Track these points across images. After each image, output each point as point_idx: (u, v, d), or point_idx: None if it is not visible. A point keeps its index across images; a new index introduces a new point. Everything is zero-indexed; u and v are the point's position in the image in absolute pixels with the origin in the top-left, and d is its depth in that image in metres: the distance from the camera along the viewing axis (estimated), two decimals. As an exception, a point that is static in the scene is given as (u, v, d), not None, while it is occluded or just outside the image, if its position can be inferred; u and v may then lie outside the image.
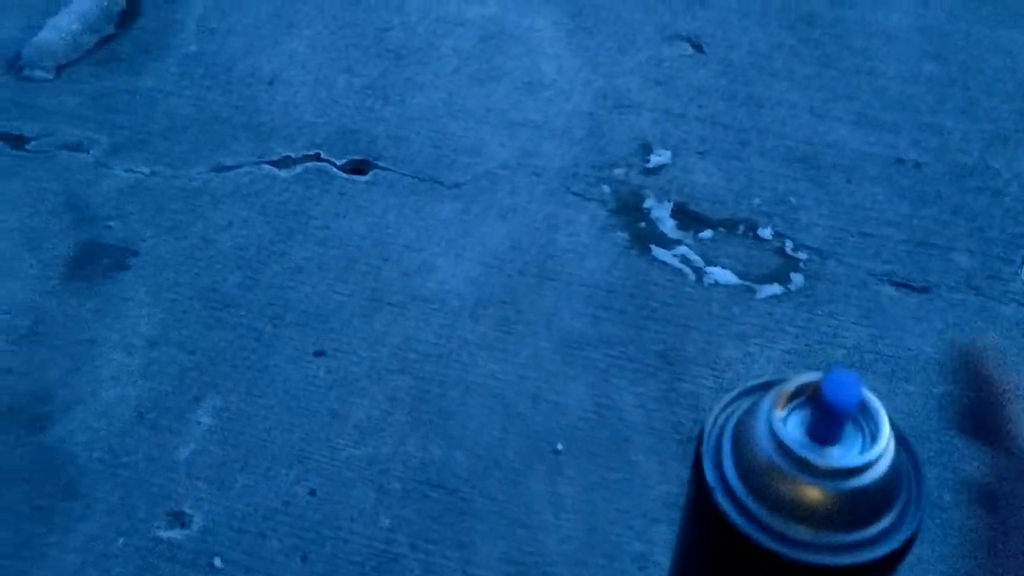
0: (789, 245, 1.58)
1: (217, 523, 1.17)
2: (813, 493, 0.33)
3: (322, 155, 1.69)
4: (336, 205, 1.60)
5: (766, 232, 1.60)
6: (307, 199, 1.61)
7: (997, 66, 1.87)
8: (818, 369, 0.35)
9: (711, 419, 0.38)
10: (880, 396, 0.35)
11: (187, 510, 1.18)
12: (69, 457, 1.22)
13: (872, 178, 1.70)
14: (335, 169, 1.67)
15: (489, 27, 1.93)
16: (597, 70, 1.84)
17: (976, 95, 1.81)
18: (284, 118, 1.75)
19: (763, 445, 0.34)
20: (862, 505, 0.34)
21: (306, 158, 1.69)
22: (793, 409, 0.36)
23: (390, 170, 1.68)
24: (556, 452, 1.27)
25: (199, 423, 1.26)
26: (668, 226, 1.61)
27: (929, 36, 1.93)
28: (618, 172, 1.69)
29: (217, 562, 1.14)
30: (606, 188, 1.66)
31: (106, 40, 1.88)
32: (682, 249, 1.57)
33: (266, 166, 1.66)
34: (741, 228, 1.61)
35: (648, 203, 1.65)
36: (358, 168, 1.68)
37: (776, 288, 1.52)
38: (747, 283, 1.52)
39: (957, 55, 1.89)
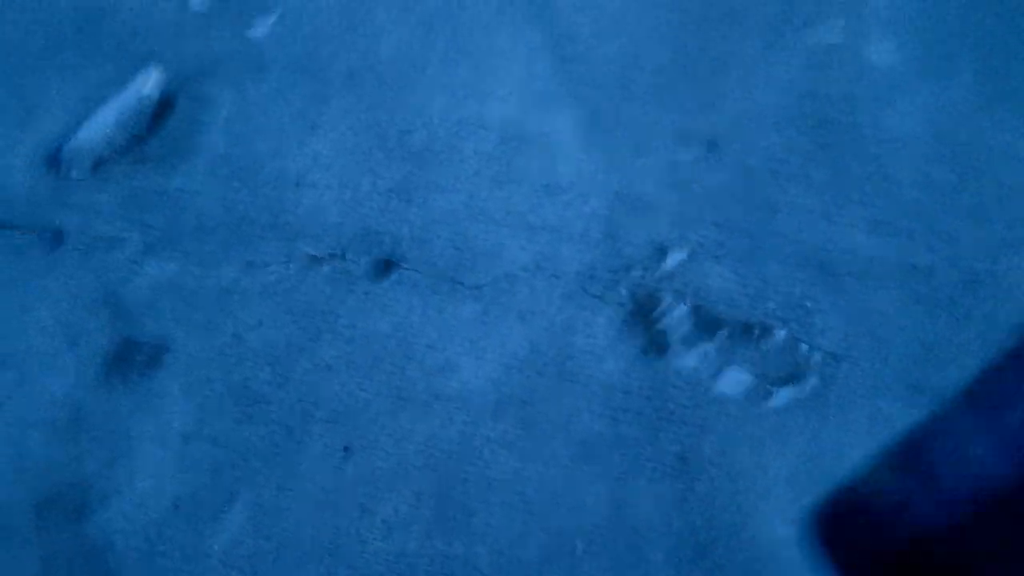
0: (804, 348, 1.84)
1: (247, 614, 1.40)
2: None
3: (347, 255, 1.99)
4: (361, 304, 1.89)
5: (781, 335, 1.88)
6: (333, 298, 1.89)
7: (1009, 172, 2.17)
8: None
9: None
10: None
11: (219, 601, 1.41)
12: (108, 545, 1.46)
13: (886, 284, 1.98)
14: (360, 269, 1.96)
15: (509, 129, 2.25)
16: (613, 172, 2.15)
17: (987, 201, 2.11)
18: (310, 219, 2.06)
19: None
20: None
21: (332, 257, 1.98)
22: None
23: (413, 271, 1.97)
24: (575, 551, 1.51)
25: (232, 516, 1.50)
26: (684, 328, 1.88)
27: (943, 141, 2.25)
28: (635, 275, 1.98)
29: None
30: (623, 291, 1.94)
31: (138, 139, 2.22)
32: (698, 351, 1.84)
33: (293, 266, 1.96)
34: (756, 331, 1.88)
35: (664, 306, 1.93)
36: (382, 268, 1.97)
37: (791, 391, 1.78)
38: (762, 385, 1.78)
39: (970, 161, 2.20)
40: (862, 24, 2.46)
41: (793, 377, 1.79)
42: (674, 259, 2.01)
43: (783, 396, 1.76)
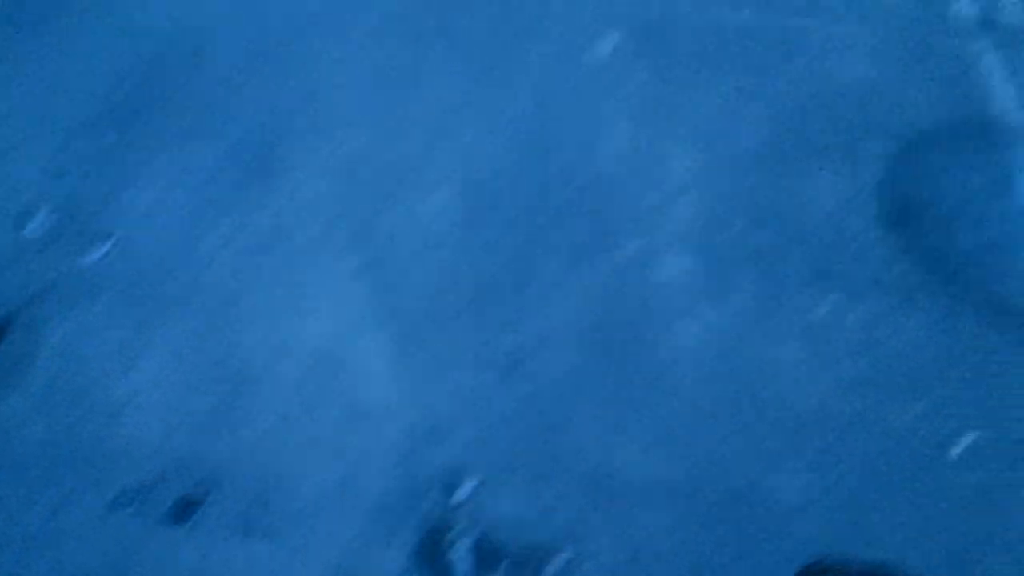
0: (586, 567, 2.00)
1: None
2: None
3: (154, 492, 2.10)
4: (161, 552, 2.00)
5: (561, 559, 2.03)
6: (131, 548, 2.00)
7: (779, 387, 2.40)
8: None
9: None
10: None
11: None
12: None
13: (658, 503, 2.15)
14: (164, 507, 2.07)
15: (322, 353, 2.40)
16: (416, 397, 2.30)
17: (757, 417, 2.32)
18: (124, 452, 2.16)
19: None
20: None
21: (139, 494, 2.09)
22: None
23: (217, 507, 2.08)
24: None
25: None
26: (468, 563, 2.02)
27: (723, 357, 2.45)
28: (427, 504, 2.11)
29: None
30: (415, 521, 2.08)
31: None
32: (479, 583, 1.98)
33: (99, 508, 2.06)
34: (538, 557, 2.03)
35: (453, 535, 2.07)
36: (185, 508, 2.09)
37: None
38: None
39: (745, 376, 2.41)
40: (657, 244, 2.70)
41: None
42: (465, 488, 2.16)
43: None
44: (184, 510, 2.05)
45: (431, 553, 2.01)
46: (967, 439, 2.20)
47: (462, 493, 2.14)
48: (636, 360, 2.43)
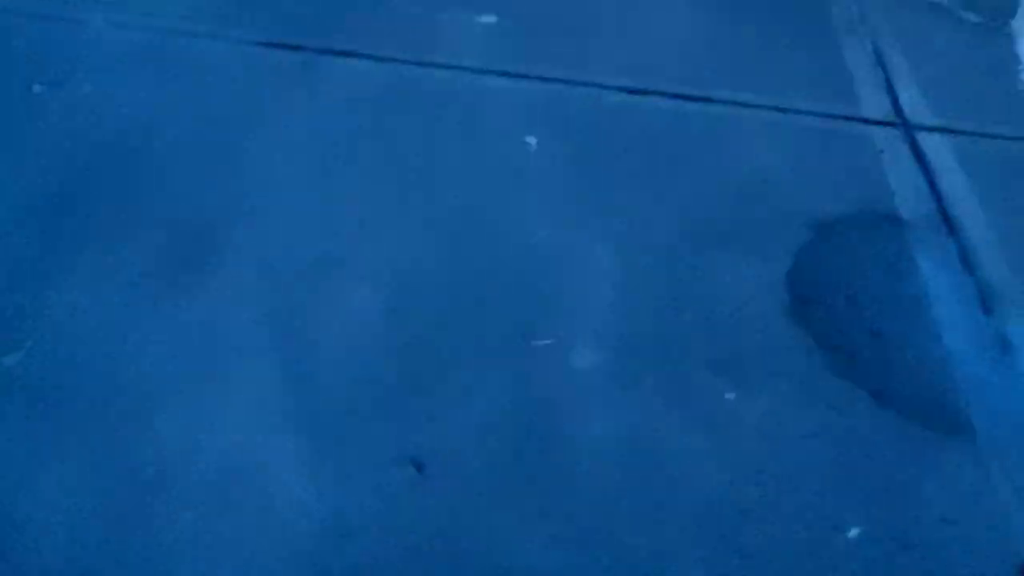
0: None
1: None
2: None
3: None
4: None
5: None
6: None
7: (684, 475, 2.49)
8: None
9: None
10: None
11: None
12: None
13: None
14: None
15: (237, 458, 2.39)
16: (325, 501, 2.33)
17: (656, 512, 2.38)
18: (34, 558, 2.19)
19: None
20: None
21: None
22: None
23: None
24: None
25: None
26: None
27: (634, 447, 2.53)
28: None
29: None
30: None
31: None
32: None
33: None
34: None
35: (359, 636, 2.11)
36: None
37: None
38: None
39: (650, 467, 2.48)
40: (572, 337, 2.81)
41: None
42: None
43: None
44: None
45: (337, 656, 2.05)
46: (855, 528, 2.30)
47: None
48: (546, 455, 2.50)
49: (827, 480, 2.42)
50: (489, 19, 4.40)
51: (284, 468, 2.41)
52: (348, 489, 2.39)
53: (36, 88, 3.70)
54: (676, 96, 3.88)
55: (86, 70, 3.85)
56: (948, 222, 3.34)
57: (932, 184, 3.52)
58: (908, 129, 3.80)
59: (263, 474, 2.39)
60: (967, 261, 3.16)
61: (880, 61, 4.21)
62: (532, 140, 3.60)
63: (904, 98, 3.98)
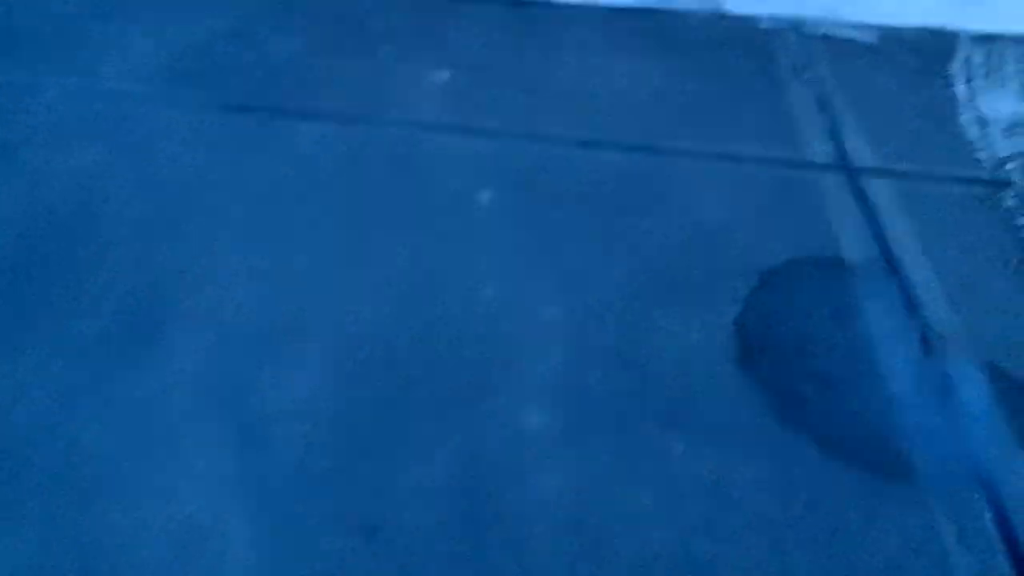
0: None
1: None
2: None
3: None
4: None
5: None
6: None
7: (632, 541, 2.52)
8: None
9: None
10: None
11: None
12: None
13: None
14: None
15: (186, 527, 2.40)
16: (280, 567, 2.33)
17: (606, 569, 2.42)
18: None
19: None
20: None
21: None
22: None
23: None
24: None
25: None
26: None
27: (583, 507, 2.56)
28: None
29: None
30: None
31: None
32: None
33: None
34: None
35: None
36: None
37: None
38: None
39: (600, 531, 2.53)
40: (521, 396, 2.83)
41: None
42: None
43: None
44: None
45: None
46: (798, 581, 2.34)
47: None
48: (495, 516, 2.52)
49: (776, 531, 2.46)
50: (443, 75, 4.49)
51: (236, 539, 2.41)
52: (300, 556, 2.40)
53: (-13, 159, 3.74)
54: (626, 148, 3.96)
55: (40, 138, 3.90)
56: (891, 264, 3.42)
57: (876, 227, 3.62)
58: (852, 173, 3.90)
59: (216, 544, 2.40)
60: (910, 303, 3.23)
61: (824, 107, 4.33)
62: (484, 196, 3.66)
63: (848, 143, 4.09)
